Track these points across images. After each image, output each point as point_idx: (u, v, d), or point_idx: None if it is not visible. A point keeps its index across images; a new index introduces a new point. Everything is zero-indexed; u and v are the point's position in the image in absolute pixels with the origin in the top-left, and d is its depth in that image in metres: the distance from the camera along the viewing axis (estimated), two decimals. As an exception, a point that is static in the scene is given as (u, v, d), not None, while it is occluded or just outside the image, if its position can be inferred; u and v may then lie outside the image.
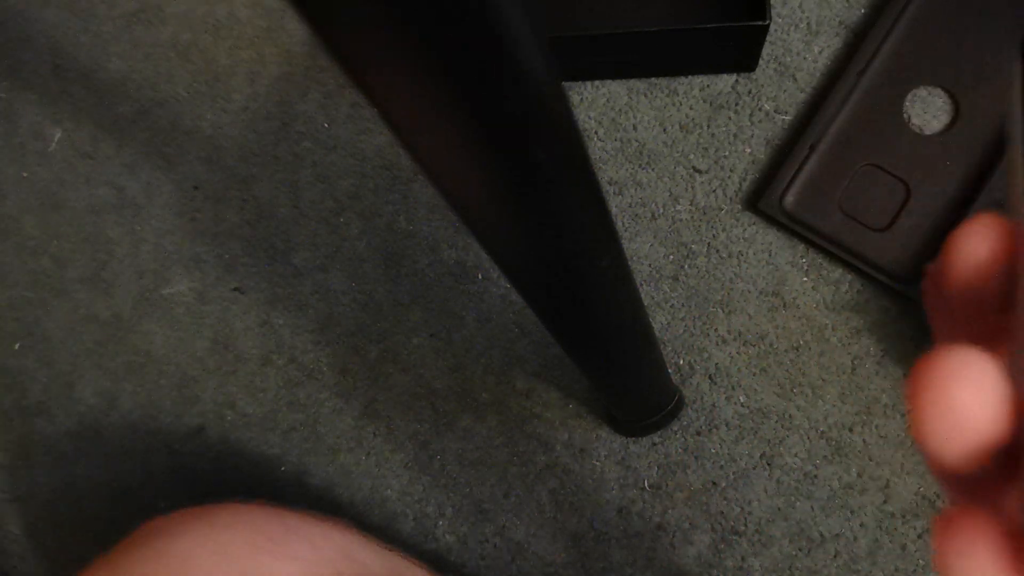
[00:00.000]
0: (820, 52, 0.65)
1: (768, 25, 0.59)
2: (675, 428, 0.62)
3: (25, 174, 0.75)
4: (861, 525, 0.59)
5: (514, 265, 0.28)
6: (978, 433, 0.12)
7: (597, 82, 0.67)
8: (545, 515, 0.63)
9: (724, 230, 0.64)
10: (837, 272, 0.62)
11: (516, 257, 0.27)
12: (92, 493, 0.68)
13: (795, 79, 0.65)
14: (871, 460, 0.59)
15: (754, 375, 0.62)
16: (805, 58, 0.65)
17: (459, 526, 0.63)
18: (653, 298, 0.64)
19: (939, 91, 0.62)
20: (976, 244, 0.14)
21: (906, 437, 0.59)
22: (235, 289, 0.70)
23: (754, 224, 0.63)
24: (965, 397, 0.12)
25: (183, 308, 0.70)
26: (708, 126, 0.65)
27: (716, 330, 0.63)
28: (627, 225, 0.65)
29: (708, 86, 0.66)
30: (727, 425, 0.61)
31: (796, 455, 0.60)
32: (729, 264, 0.63)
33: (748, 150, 0.65)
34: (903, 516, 0.58)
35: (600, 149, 0.66)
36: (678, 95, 0.66)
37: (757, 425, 0.61)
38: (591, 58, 0.64)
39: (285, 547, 0.42)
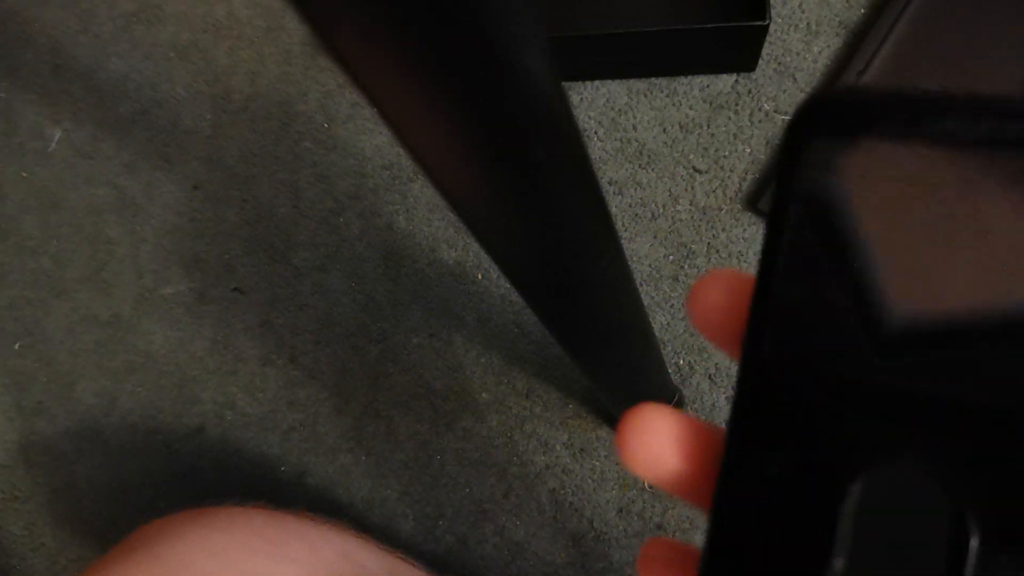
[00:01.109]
0: (820, 52, 0.65)
1: (768, 25, 0.59)
2: (675, 428, 0.62)
3: (25, 174, 0.75)
4: (861, 525, 0.59)
5: (514, 265, 0.28)
6: (663, 466, 0.17)
7: (597, 82, 0.67)
8: (545, 515, 0.63)
9: (724, 230, 0.64)
10: (837, 272, 0.62)
11: (516, 257, 0.27)
12: (92, 493, 0.68)
13: (795, 79, 0.65)
14: (871, 460, 0.59)
15: (754, 375, 0.61)
16: (805, 58, 0.65)
17: (459, 526, 0.63)
18: (653, 298, 0.64)
19: (939, 91, 0.62)
20: (713, 291, 0.17)
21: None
22: (235, 289, 0.70)
23: (754, 224, 0.63)
24: (653, 443, 0.17)
25: (183, 308, 0.70)
26: (708, 126, 0.65)
27: (716, 330, 0.63)
28: (627, 225, 0.65)
29: (708, 86, 0.66)
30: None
31: (796, 455, 0.60)
32: (729, 264, 0.63)
33: (748, 150, 0.65)
34: (903, 516, 0.58)
35: (600, 149, 0.66)
36: (678, 95, 0.66)
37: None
38: (591, 58, 0.64)
39: (283, 549, 0.42)
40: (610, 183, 0.66)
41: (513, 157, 0.20)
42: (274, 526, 0.44)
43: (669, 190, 0.65)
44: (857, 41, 0.65)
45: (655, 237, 0.64)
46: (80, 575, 0.41)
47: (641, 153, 0.66)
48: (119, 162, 0.73)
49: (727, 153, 0.65)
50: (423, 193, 0.68)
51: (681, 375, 0.62)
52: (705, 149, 0.65)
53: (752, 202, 0.64)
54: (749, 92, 0.66)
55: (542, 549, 0.62)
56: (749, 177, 0.64)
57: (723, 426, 0.16)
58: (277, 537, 0.43)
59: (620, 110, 0.67)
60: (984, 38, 0.62)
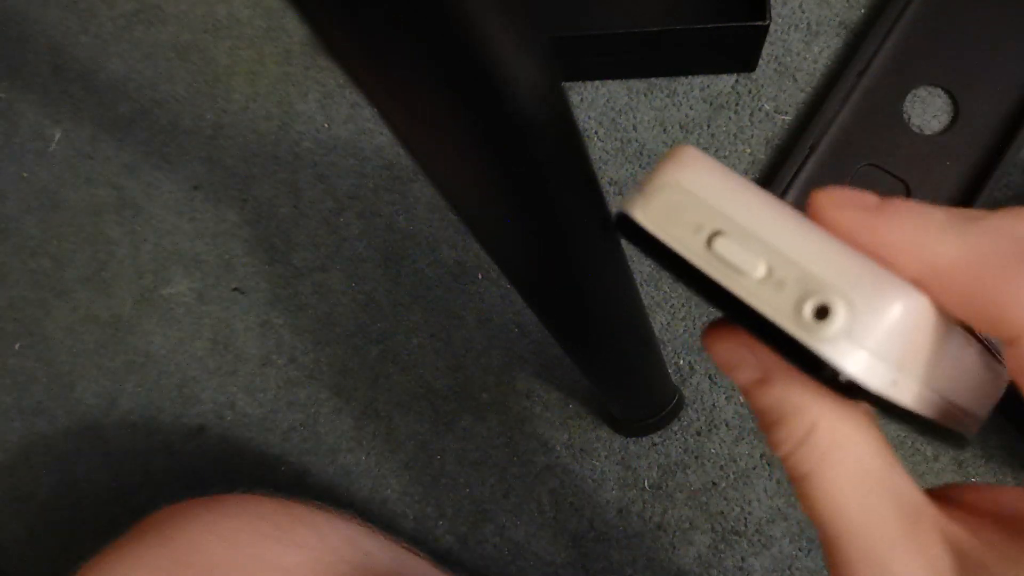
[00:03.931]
0: (820, 52, 0.65)
1: (768, 25, 0.59)
2: (675, 428, 0.62)
3: (25, 174, 0.75)
4: (861, 525, 0.59)
5: (514, 266, 0.28)
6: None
7: (597, 82, 0.67)
8: (545, 515, 0.63)
9: (724, 230, 0.64)
10: (837, 272, 0.62)
11: (516, 257, 0.27)
12: (92, 493, 0.68)
13: (795, 79, 0.65)
14: (871, 460, 0.59)
15: (754, 375, 0.61)
16: (805, 58, 0.65)
17: (459, 526, 0.63)
18: (653, 298, 0.64)
19: (939, 91, 0.62)
20: None
21: (905, 437, 0.59)
22: (235, 289, 0.70)
23: (754, 224, 0.63)
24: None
25: (183, 308, 0.70)
26: (708, 126, 0.65)
27: (716, 330, 0.63)
28: (627, 225, 0.65)
29: (708, 86, 0.66)
30: (727, 425, 0.61)
31: (796, 455, 0.60)
32: (729, 264, 0.63)
33: (748, 150, 0.65)
34: (903, 516, 0.58)
35: (600, 149, 0.66)
36: (678, 95, 0.66)
37: (757, 425, 0.61)
38: (591, 58, 0.64)
39: (291, 535, 0.43)
40: (610, 183, 0.66)
41: (513, 157, 0.20)
42: (282, 513, 0.45)
43: (669, 190, 0.65)
44: (857, 41, 0.65)
45: (655, 237, 0.64)
46: (91, 560, 0.41)
47: (641, 153, 0.66)
48: (119, 162, 0.73)
49: (727, 153, 0.65)
50: (423, 193, 0.68)
51: (681, 375, 0.62)
52: (705, 149, 0.65)
53: (752, 202, 0.63)
54: (749, 92, 0.66)
55: (542, 549, 0.62)
56: (749, 177, 0.64)
57: None
58: (286, 523, 0.44)
59: (620, 110, 0.67)
60: (984, 38, 0.62)
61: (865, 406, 0.18)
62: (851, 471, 0.18)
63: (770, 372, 0.18)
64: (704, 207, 0.19)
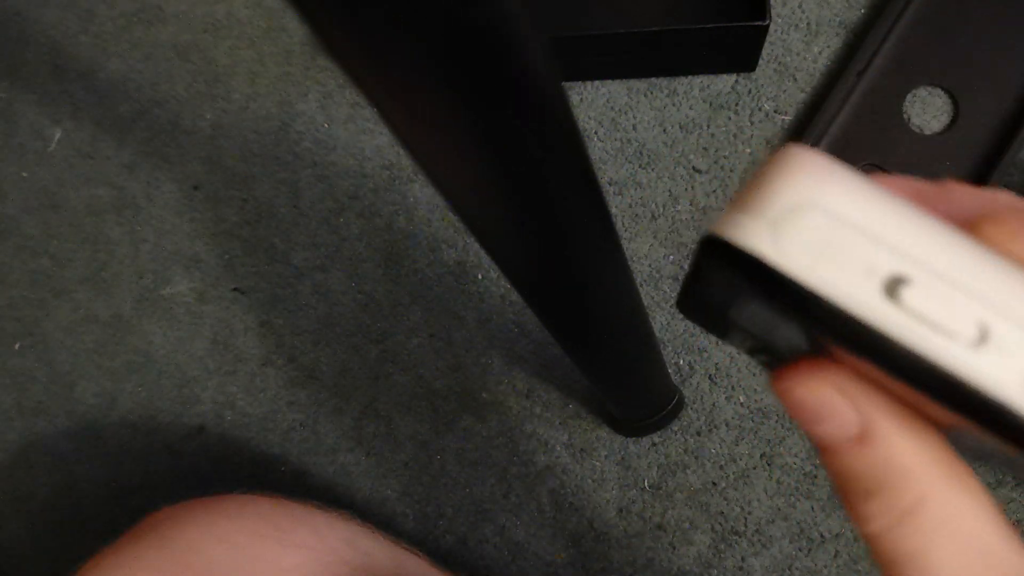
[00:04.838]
0: (820, 52, 0.65)
1: (768, 25, 0.59)
2: (675, 428, 0.62)
3: (25, 174, 0.75)
4: (861, 525, 0.59)
5: (514, 266, 0.28)
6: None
7: (597, 82, 0.67)
8: (545, 515, 0.62)
9: (724, 230, 0.64)
10: (837, 272, 0.62)
11: (516, 258, 0.27)
12: (92, 493, 0.68)
13: (795, 79, 0.65)
14: (871, 460, 0.59)
15: (754, 375, 0.62)
16: (805, 58, 0.65)
17: (459, 526, 0.63)
18: (653, 298, 0.64)
19: (939, 91, 0.62)
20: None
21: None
22: (235, 289, 0.70)
23: (754, 224, 0.63)
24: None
25: (183, 308, 0.70)
26: (708, 126, 0.65)
27: (716, 330, 0.63)
28: (627, 225, 0.65)
29: (708, 86, 0.66)
30: (727, 425, 0.61)
31: (796, 455, 0.60)
32: (729, 264, 0.63)
33: (748, 150, 0.65)
34: (903, 516, 0.58)
35: (600, 149, 0.66)
36: (678, 95, 0.66)
37: (757, 425, 0.61)
38: (591, 58, 0.64)
39: (291, 536, 0.43)
40: (610, 183, 0.66)
41: (513, 157, 0.20)
42: (282, 513, 0.45)
43: (669, 190, 0.65)
44: (857, 41, 0.65)
45: (655, 237, 0.64)
46: (91, 561, 0.41)
47: (641, 153, 0.66)
48: (119, 162, 0.73)
49: (727, 153, 0.65)
50: (423, 193, 0.68)
51: (681, 375, 0.62)
52: (705, 149, 0.65)
53: (752, 202, 0.63)
54: (749, 92, 0.66)
55: (542, 549, 0.62)
56: (749, 177, 0.64)
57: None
58: (285, 524, 0.44)
59: (620, 110, 0.67)
60: (984, 38, 0.62)
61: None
62: (964, 550, 0.15)
63: (872, 429, 0.15)
64: (866, 239, 0.14)
